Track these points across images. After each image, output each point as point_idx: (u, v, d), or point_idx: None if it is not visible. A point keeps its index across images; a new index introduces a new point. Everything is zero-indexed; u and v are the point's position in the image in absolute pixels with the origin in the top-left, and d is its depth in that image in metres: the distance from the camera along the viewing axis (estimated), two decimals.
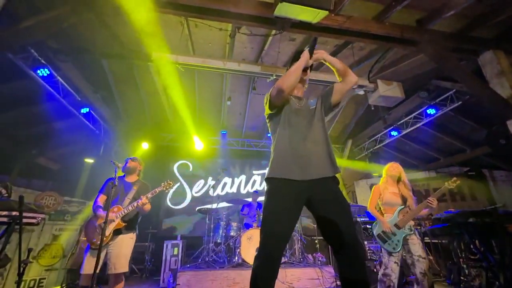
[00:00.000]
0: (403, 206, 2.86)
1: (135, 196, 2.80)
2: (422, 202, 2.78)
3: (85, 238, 2.59)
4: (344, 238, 1.41)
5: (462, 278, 3.75)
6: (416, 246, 2.67)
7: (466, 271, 3.81)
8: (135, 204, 2.69)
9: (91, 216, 2.73)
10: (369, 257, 4.13)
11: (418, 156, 7.65)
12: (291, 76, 1.68)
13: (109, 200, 2.51)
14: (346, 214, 1.49)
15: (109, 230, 2.55)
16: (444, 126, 6.09)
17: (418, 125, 5.88)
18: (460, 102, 4.94)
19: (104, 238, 2.50)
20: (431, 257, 4.81)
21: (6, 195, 2.89)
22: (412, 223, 2.80)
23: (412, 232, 2.73)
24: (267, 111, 1.81)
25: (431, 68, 4.76)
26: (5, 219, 2.05)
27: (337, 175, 1.60)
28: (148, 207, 2.81)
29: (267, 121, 1.88)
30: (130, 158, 3.01)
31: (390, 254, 2.74)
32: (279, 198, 1.52)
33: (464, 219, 2.76)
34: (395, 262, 2.69)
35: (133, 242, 2.74)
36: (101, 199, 2.76)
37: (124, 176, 2.94)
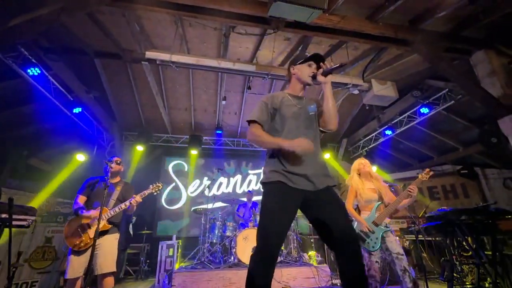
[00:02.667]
0: (380, 202, 2.84)
1: (119, 197, 2.78)
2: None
3: (66, 242, 2.48)
4: (344, 235, 1.44)
5: (455, 274, 3.80)
6: (394, 244, 2.67)
7: (459, 268, 3.87)
8: (122, 206, 2.67)
9: (70, 218, 2.64)
10: None
11: (412, 154, 7.74)
12: (258, 142, 1.71)
13: (91, 202, 2.53)
14: (343, 211, 1.55)
15: (94, 232, 2.50)
16: (437, 125, 6.17)
17: (411, 124, 5.94)
18: (452, 101, 5.01)
19: (89, 240, 2.47)
20: (425, 255, 4.87)
21: None
22: (388, 220, 2.77)
23: (388, 229, 2.71)
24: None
25: (424, 68, 4.81)
26: None
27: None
28: (133, 209, 2.77)
29: None
30: (114, 159, 2.90)
31: (370, 253, 2.71)
32: (276, 199, 1.54)
33: (456, 217, 2.80)
34: (376, 261, 2.67)
35: (117, 241, 2.71)
36: (81, 200, 2.68)
37: (105, 175, 2.87)
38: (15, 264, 2.05)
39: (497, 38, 3.91)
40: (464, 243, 3.82)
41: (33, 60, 3.94)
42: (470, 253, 3.86)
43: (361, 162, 3.05)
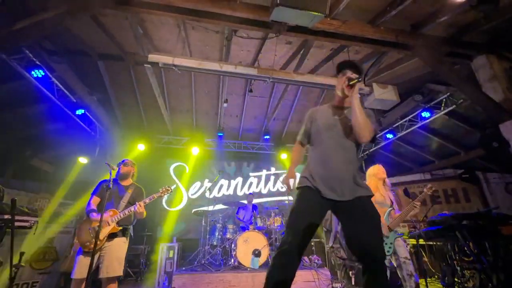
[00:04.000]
0: (391, 208, 2.91)
1: (130, 200, 2.78)
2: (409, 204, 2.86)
3: (77, 241, 2.53)
4: (369, 253, 1.46)
5: (456, 279, 3.78)
6: (402, 249, 2.74)
7: (460, 273, 3.84)
8: (132, 209, 2.67)
9: (84, 219, 2.67)
10: None
11: (413, 158, 7.72)
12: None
13: (104, 203, 2.48)
14: (371, 227, 1.52)
15: (103, 234, 2.52)
16: (439, 129, 6.17)
17: (413, 128, 5.94)
18: (454, 106, 5.01)
19: (98, 242, 2.47)
20: (426, 259, 4.85)
21: None
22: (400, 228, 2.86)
23: (401, 235, 2.80)
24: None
25: (425, 72, 4.82)
26: None
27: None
28: (143, 212, 2.77)
29: None
30: (122, 163, 2.93)
31: None
32: (301, 202, 1.63)
33: (458, 221, 2.80)
34: (386, 265, 2.71)
35: (126, 246, 2.71)
36: (94, 201, 2.71)
37: (117, 179, 2.90)
38: (17, 265, 2.06)
39: (499, 43, 3.92)
40: (465, 248, 3.80)
41: (37, 62, 3.98)
42: (472, 258, 3.84)
43: (380, 168, 3.15)
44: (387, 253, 2.74)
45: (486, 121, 5.12)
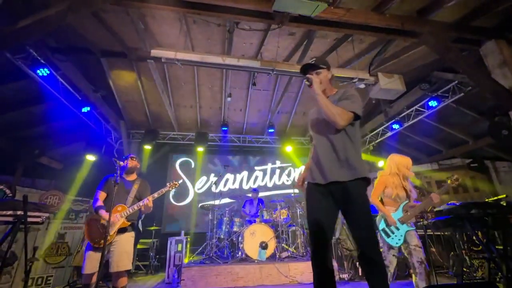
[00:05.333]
0: (407, 201, 2.84)
1: (136, 195, 2.82)
2: (424, 195, 2.78)
3: (86, 237, 2.56)
4: (359, 244, 1.55)
5: (464, 269, 3.77)
6: (413, 237, 2.71)
7: (469, 263, 3.82)
8: (140, 204, 2.71)
9: (92, 215, 2.71)
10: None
11: (420, 148, 7.62)
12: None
13: (111, 198, 2.51)
14: (361, 219, 1.55)
15: (113, 229, 2.56)
16: (446, 118, 6.05)
17: (419, 118, 5.85)
18: (462, 94, 4.90)
19: (109, 237, 2.51)
20: (433, 249, 4.83)
21: (11, 195, 2.92)
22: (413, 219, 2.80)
23: (413, 228, 2.75)
24: None
25: (432, 60, 4.71)
26: (10, 219, 2.08)
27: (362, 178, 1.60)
28: (151, 207, 2.81)
29: None
30: (129, 157, 2.95)
31: (390, 247, 2.78)
32: (309, 198, 1.73)
33: (466, 211, 2.75)
34: (393, 255, 2.76)
35: (133, 240, 2.75)
36: (101, 196, 2.74)
37: (122, 173, 2.91)
38: (31, 259, 2.12)
39: (508, 27, 3.79)
40: (474, 237, 3.77)
41: (42, 61, 4.01)
42: (480, 247, 3.81)
43: (408, 161, 2.96)
44: (395, 245, 2.74)
45: (495, 109, 5.00)
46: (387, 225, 2.81)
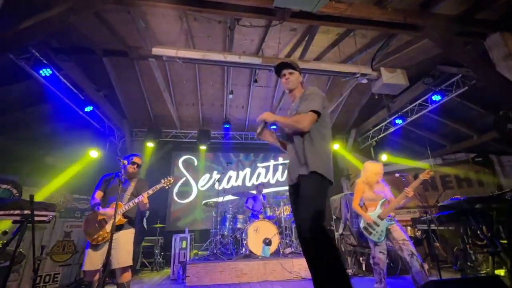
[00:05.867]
0: (384, 199, 3.09)
1: (133, 192, 2.85)
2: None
3: (85, 235, 2.60)
4: (297, 225, 1.71)
5: (468, 264, 3.76)
6: (398, 232, 2.89)
7: (473, 257, 3.81)
8: (136, 201, 2.74)
9: (89, 213, 2.74)
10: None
11: (424, 143, 7.56)
12: None
13: (107, 197, 2.59)
14: (301, 208, 1.61)
15: (110, 226, 2.59)
16: (450, 112, 6.00)
17: (423, 112, 5.80)
18: (466, 88, 4.85)
19: (106, 234, 2.56)
20: (437, 244, 4.82)
21: (17, 194, 2.96)
22: (392, 214, 3.02)
23: (393, 222, 2.95)
24: None
25: (435, 54, 4.66)
26: (18, 218, 2.11)
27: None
28: (146, 203, 2.82)
29: None
30: (130, 162, 2.91)
31: (375, 244, 2.99)
32: (289, 200, 1.91)
33: (471, 206, 2.74)
34: (380, 252, 2.94)
35: (133, 236, 2.79)
36: (98, 195, 2.77)
37: (121, 171, 2.93)
38: (38, 257, 2.16)
39: None
40: (478, 231, 3.76)
41: (44, 61, 4.03)
42: (485, 242, 3.79)
43: (379, 166, 3.24)
44: (378, 240, 2.95)
45: (500, 102, 4.94)
46: (367, 223, 3.05)
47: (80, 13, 3.17)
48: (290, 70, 2.00)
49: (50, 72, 4.18)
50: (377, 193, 3.13)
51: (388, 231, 2.95)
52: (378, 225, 2.98)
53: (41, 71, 4.07)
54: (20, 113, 4.88)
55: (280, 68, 2.03)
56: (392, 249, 3.07)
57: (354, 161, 7.50)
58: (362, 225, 3.10)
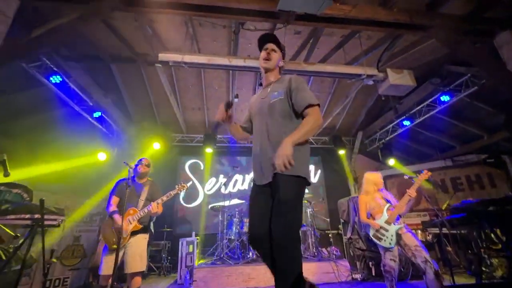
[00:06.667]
0: (389, 204, 3.08)
1: (147, 197, 2.87)
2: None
3: (102, 239, 2.66)
4: (271, 238, 1.40)
5: (483, 268, 3.64)
6: (410, 238, 2.82)
7: (488, 262, 3.69)
8: (150, 209, 2.76)
9: (107, 219, 2.79)
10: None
11: (433, 145, 7.43)
12: None
13: (123, 202, 2.59)
14: (282, 212, 1.41)
15: (126, 232, 2.62)
16: (459, 113, 5.88)
17: (431, 113, 5.70)
18: (475, 87, 4.75)
19: (122, 240, 2.58)
20: (450, 248, 4.69)
21: (28, 199, 3.02)
22: (402, 221, 3.00)
23: (402, 225, 2.91)
24: None
25: (443, 53, 4.59)
26: (28, 222, 2.15)
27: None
28: (160, 209, 2.85)
29: None
30: (140, 163, 2.98)
31: (386, 250, 2.92)
32: (251, 200, 1.61)
33: (483, 208, 2.66)
34: (391, 259, 2.87)
35: (146, 241, 2.81)
36: (114, 201, 2.81)
37: (134, 176, 2.98)
38: (48, 261, 2.18)
39: None
40: (492, 235, 3.64)
41: (55, 68, 4.13)
42: (500, 245, 3.67)
43: (378, 176, 3.31)
44: (389, 246, 2.87)
45: (511, 101, 4.83)
46: (376, 230, 3.01)
47: (88, 21, 3.25)
48: (275, 47, 1.75)
49: (60, 79, 4.28)
50: (380, 200, 3.14)
51: (399, 237, 2.88)
52: (387, 230, 2.93)
53: (51, 78, 4.18)
54: (30, 119, 5.00)
55: (265, 39, 1.76)
56: (402, 254, 2.98)
57: (361, 164, 7.40)
58: (371, 233, 3.05)
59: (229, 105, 1.68)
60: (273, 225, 1.39)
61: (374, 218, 3.12)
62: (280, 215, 1.39)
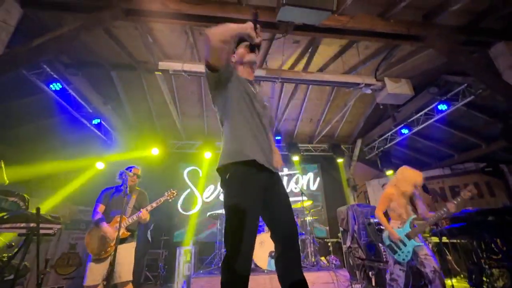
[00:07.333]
0: (414, 216, 2.76)
1: (135, 205, 2.85)
2: (437, 201, 2.75)
3: (88, 250, 2.57)
4: (289, 235, 1.36)
5: (484, 279, 3.60)
6: (421, 247, 2.64)
7: (488, 272, 3.65)
8: (139, 215, 2.73)
9: (92, 227, 2.70)
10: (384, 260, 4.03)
11: (431, 153, 7.46)
12: (219, 29, 1.34)
13: (109, 210, 2.61)
14: (291, 209, 1.44)
15: (113, 240, 2.57)
16: (457, 122, 5.93)
17: (429, 122, 5.74)
18: (472, 97, 4.80)
19: (109, 248, 2.55)
20: (450, 257, 4.65)
21: (24, 207, 2.98)
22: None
23: (421, 244, 2.65)
24: (212, 79, 1.47)
25: (440, 63, 4.66)
26: (23, 231, 2.12)
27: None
28: (147, 218, 2.81)
29: (212, 93, 1.55)
30: (133, 171, 2.94)
31: (397, 262, 2.72)
32: (250, 187, 1.29)
33: (483, 218, 2.67)
34: (400, 269, 2.70)
35: (134, 250, 2.77)
36: (100, 208, 2.76)
37: (121, 185, 2.91)
38: (43, 271, 2.14)
39: None
40: (492, 245, 3.62)
41: (55, 76, 4.16)
42: (500, 256, 3.64)
43: (419, 174, 2.86)
44: (403, 261, 2.68)
45: (508, 111, 4.88)
46: (392, 241, 2.74)
47: (90, 30, 3.28)
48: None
49: (60, 86, 4.31)
50: (408, 207, 2.78)
51: (415, 254, 2.65)
52: (405, 245, 2.67)
53: (51, 86, 4.20)
54: (31, 126, 5.00)
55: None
56: (409, 266, 2.85)
57: (361, 171, 7.40)
58: (386, 242, 2.78)
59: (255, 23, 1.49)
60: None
61: (388, 220, 2.83)
62: (289, 210, 1.46)
